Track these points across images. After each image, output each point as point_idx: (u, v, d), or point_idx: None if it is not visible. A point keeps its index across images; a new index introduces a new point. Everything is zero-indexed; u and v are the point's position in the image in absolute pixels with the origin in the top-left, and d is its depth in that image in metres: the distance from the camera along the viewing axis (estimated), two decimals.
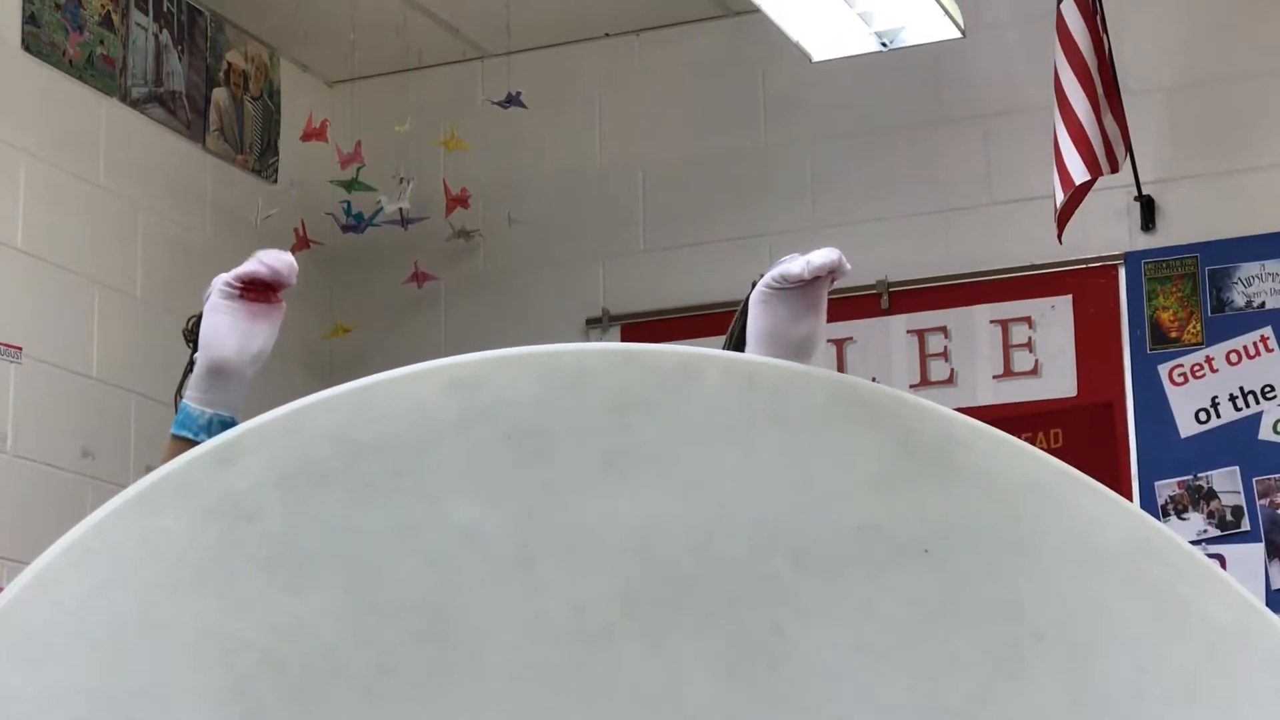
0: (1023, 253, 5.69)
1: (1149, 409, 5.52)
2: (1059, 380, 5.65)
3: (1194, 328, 5.53)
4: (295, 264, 2.07)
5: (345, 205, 5.98)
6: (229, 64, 6.10)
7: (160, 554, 1.77)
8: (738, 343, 2.08)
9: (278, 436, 1.81)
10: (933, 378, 5.75)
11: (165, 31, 5.84)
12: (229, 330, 2.05)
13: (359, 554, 1.79)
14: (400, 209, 5.94)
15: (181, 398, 2.10)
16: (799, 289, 2.00)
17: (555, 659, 1.78)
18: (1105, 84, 5.14)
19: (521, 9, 6.01)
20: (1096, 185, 5.08)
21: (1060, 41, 5.10)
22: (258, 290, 2.07)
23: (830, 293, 2.03)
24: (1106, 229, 5.63)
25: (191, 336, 2.12)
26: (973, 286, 5.77)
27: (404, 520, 1.80)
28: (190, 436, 2.05)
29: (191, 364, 2.11)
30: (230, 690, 1.74)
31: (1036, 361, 5.68)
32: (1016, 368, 5.70)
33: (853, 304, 5.69)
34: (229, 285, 2.06)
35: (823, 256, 1.97)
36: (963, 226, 5.80)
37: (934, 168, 5.85)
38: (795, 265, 1.99)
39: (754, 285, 2.06)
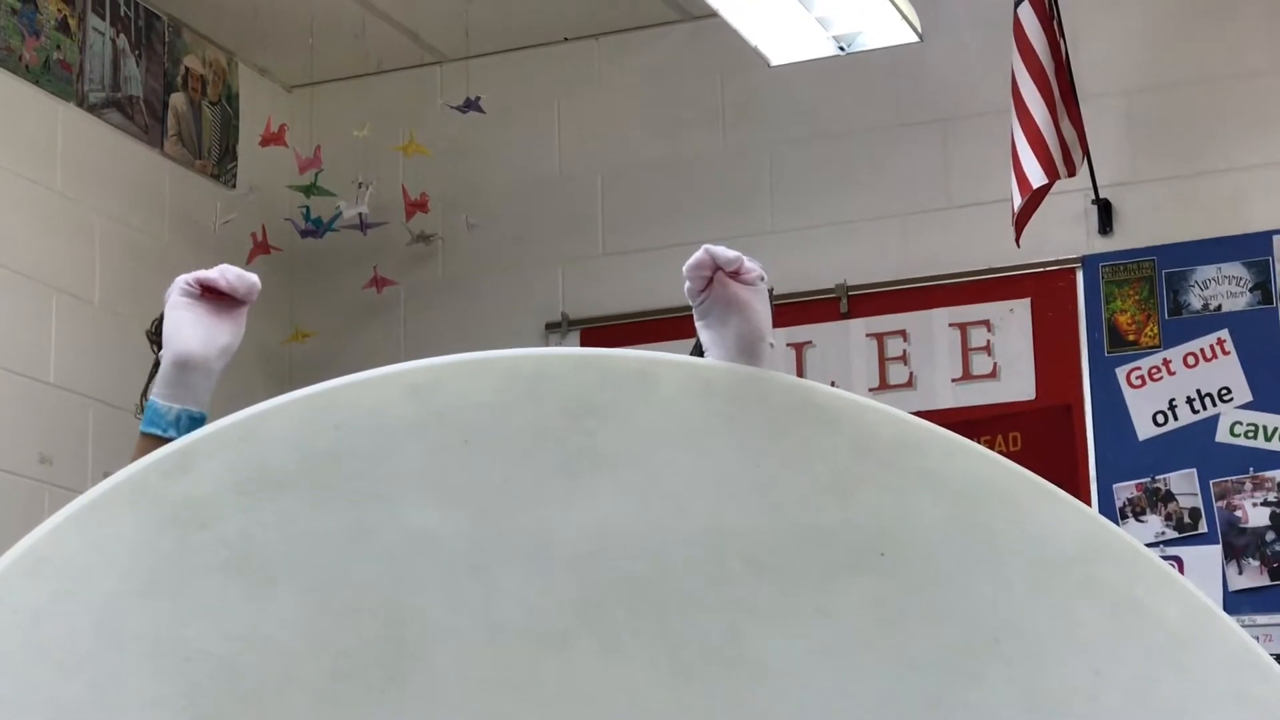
0: (981, 256, 5.70)
1: (1107, 412, 5.54)
2: (1017, 383, 5.66)
3: (1151, 331, 5.55)
4: (258, 284, 2.08)
5: (304, 210, 5.96)
6: (187, 69, 6.08)
7: (115, 561, 1.76)
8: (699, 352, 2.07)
9: (234, 442, 1.81)
10: (892, 381, 5.76)
11: (123, 36, 5.82)
12: (191, 326, 2.06)
13: (315, 559, 1.78)
14: (359, 214, 5.93)
15: (147, 399, 2.10)
16: (705, 294, 1.98)
17: (512, 663, 1.78)
18: (1062, 88, 5.15)
19: (480, 14, 6.01)
20: (1054, 189, 5.09)
21: (1018, 46, 5.11)
22: (216, 294, 2.07)
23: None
24: (1064, 233, 5.64)
25: (155, 337, 2.12)
26: (931, 290, 5.78)
27: (361, 525, 1.79)
28: (159, 433, 2.05)
29: (156, 365, 2.10)
30: (186, 697, 1.74)
31: (995, 365, 5.69)
32: (975, 371, 5.71)
33: (812, 308, 5.70)
34: (189, 284, 2.07)
35: (691, 260, 1.97)
36: (921, 230, 5.81)
37: (892, 171, 5.86)
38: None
39: None
